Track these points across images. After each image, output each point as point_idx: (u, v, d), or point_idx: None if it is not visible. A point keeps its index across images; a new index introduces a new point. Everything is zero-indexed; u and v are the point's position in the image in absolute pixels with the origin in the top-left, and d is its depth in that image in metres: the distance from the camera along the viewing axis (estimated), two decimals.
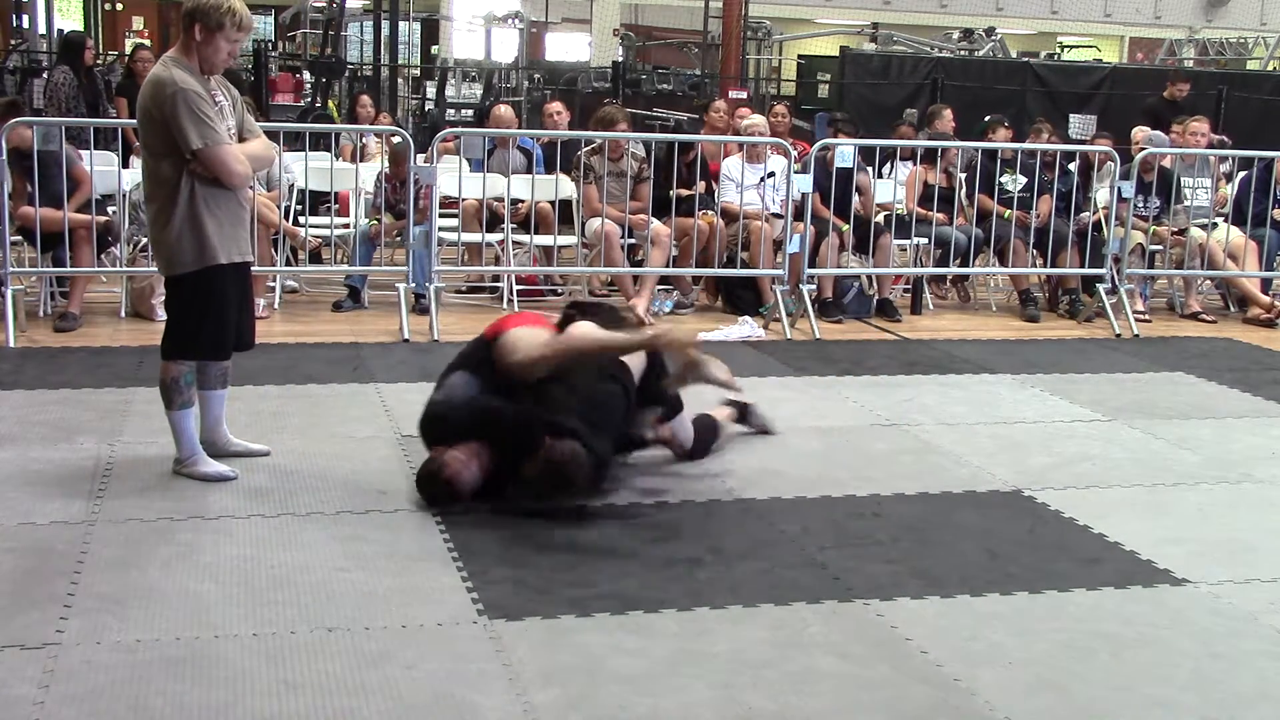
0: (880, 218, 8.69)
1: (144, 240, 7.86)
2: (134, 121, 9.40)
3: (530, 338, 4.56)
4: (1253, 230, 8.99)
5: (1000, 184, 8.82)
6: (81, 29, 21.71)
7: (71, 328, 7.09)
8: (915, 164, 9.09)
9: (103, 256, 7.58)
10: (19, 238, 7.38)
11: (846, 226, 8.42)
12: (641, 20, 27.07)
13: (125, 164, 8.23)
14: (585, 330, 4.62)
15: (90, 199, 7.30)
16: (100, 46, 22.04)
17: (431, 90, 18.56)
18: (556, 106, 9.57)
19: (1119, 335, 8.13)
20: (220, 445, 4.82)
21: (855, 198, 8.46)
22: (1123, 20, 29.46)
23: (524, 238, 8.24)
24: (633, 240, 8.30)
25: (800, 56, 22.75)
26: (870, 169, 8.83)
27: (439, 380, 4.69)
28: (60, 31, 17.19)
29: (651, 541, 4.20)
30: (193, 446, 4.63)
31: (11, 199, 6.95)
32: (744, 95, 15.00)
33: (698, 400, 5.12)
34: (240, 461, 4.85)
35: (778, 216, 8.34)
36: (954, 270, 8.91)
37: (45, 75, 11.94)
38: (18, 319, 6.92)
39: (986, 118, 10.03)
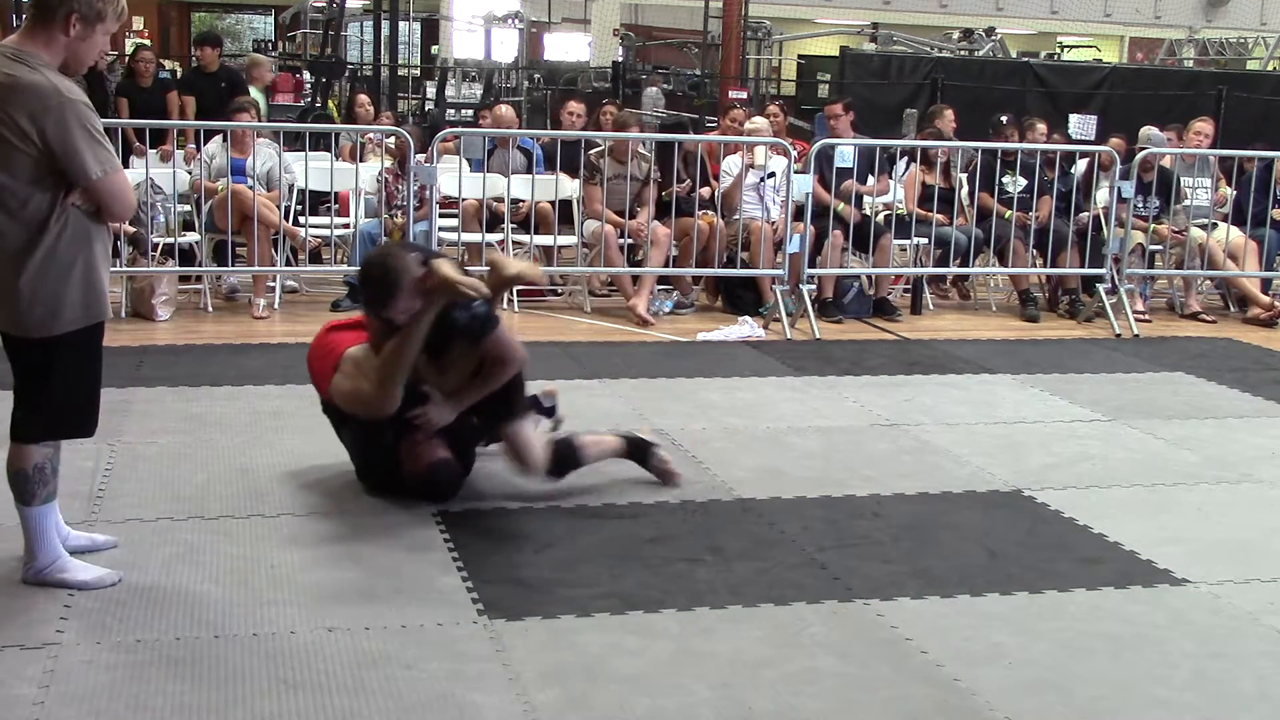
0: (880, 218, 8.69)
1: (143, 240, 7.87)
2: (136, 122, 9.37)
3: (351, 384, 4.35)
4: (1253, 230, 8.99)
5: (1001, 184, 8.81)
6: None
7: None
8: (915, 164, 9.07)
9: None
10: None
11: (844, 206, 8.35)
12: (641, 20, 27.05)
13: (126, 164, 8.22)
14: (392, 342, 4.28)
15: None
16: None
17: (431, 90, 18.56)
18: (574, 107, 9.53)
19: (1119, 335, 8.13)
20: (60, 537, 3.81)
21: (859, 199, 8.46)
22: (1123, 20, 29.41)
23: (524, 238, 8.24)
24: (631, 241, 8.30)
25: (800, 56, 22.74)
26: (872, 172, 8.80)
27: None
28: None
29: (651, 541, 4.20)
30: (56, 549, 3.67)
31: None
32: (744, 95, 15.00)
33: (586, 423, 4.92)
34: (240, 462, 4.85)
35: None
36: (954, 270, 8.91)
37: None
38: None
39: (1003, 118, 10.00)
